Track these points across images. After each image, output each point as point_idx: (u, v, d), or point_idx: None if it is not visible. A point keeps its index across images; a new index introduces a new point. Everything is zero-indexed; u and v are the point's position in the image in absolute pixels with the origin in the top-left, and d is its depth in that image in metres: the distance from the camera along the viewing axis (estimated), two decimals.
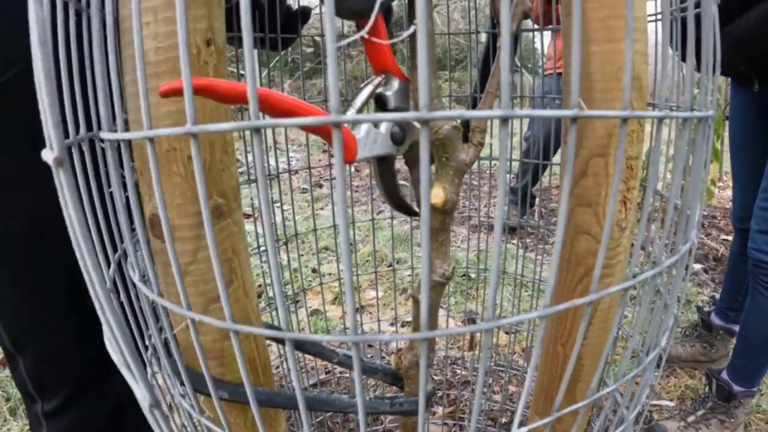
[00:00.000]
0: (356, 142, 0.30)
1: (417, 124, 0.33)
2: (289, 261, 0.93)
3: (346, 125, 0.30)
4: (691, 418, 1.11)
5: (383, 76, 0.32)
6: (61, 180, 0.19)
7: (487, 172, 1.27)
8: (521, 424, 0.24)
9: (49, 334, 0.55)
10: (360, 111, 0.32)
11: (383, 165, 0.34)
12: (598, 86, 0.40)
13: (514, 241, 1.98)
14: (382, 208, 2.83)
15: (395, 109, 0.32)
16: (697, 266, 2.19)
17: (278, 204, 0.93)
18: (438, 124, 0.30)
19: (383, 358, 1.37)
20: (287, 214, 2.04)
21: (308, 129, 0.27)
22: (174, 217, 0.30)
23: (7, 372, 1.40)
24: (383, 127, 0.32)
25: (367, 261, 1.96)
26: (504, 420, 1.16)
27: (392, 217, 0.96)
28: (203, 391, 0.27)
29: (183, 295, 0.21)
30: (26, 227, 0.51)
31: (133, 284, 0.29)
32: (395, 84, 0.32)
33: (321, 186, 3.17)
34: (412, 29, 0.29)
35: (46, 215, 0.49)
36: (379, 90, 0.32)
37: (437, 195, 0.30)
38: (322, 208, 2.74)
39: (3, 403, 1.27)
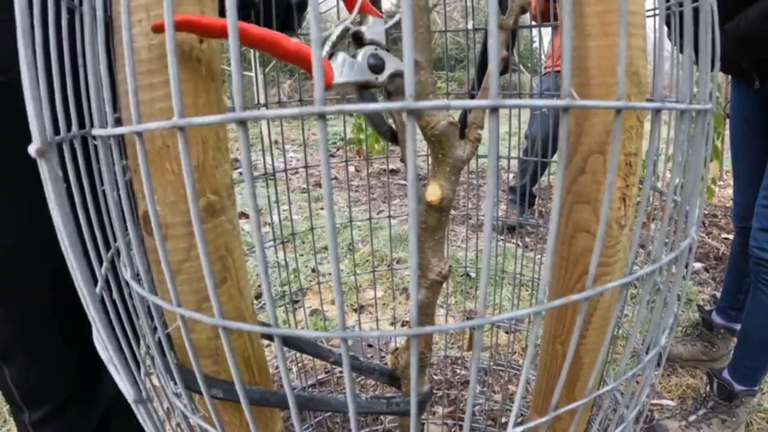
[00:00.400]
0: (332, 68, 0.31)
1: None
2: (286, 260, 0.93)
3: (325, 56, 0.32)
4: (692, 418, 1.11)
5: (358, 15, 0.34)
6: (44, 172, 0.18)
7: (487, 171, 1.27)
8: (519, 423, 0.23)
9: (37, 343, 0.55)
10: (336, 45, 0.33)
11: (366, 94, 0.36)
12: (595, 81, 0.39)
13: (514, 241, 1.97)
14: (382, 208, 2.83)
15: (371, 42, 0.34)
16: (698, 265, 2.19)
17: (277, 203, 0.92)
18: (434, 119, 0.29)
19: (382, 357, 1.37)
20: (286, 214, 2.04)
21: (292, 60, 0.29)
22: (167, 214, 0.30)
23: None
24: (360, 56, 0.34)
25: (366, 261, 1.95)
26: (504, 420, 1.15)
27: (390, 216, 0.96)
28: (196, 389, 0.26)
29: (173, 292, 0.21)
30: (20, 233, 0.51)
31: (126, 282, 0.28)
32: (369, 20, 0.34)
33: (320, 185, 3.16)
34: (397, 17, 0.29)
35: (41, 219, 0.49)
36: (355, 28, 0.34)
37: (433, 192, 0.30)
38: (321, 208, 2.73)
39: (3, 404, 1.27)
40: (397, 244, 2.14)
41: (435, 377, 1.32)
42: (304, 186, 3.07)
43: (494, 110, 0.14)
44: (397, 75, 0.37)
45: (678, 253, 0.28)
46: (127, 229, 0.26)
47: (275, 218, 0.91)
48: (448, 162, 0.30)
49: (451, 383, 1.28)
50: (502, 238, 1.84)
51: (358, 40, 0.34)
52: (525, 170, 2.28)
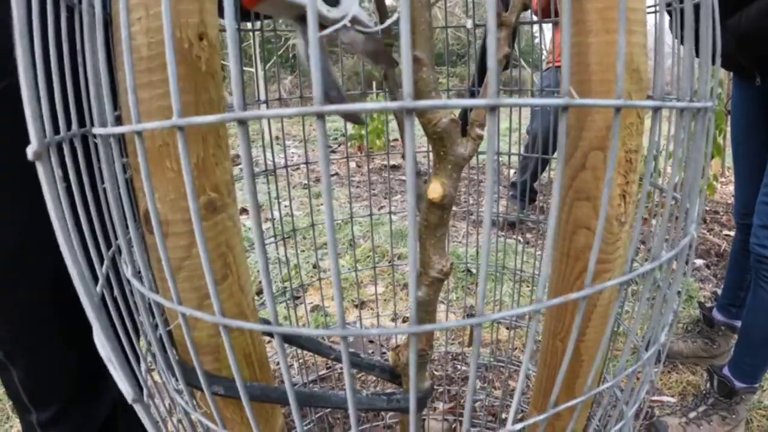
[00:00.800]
0: None
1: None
2: (287, 256, 0.93)
3: None
4: (692, 414, 1.11)
5: None
6: (41, 173, 0.18)
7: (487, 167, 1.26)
8: (520, 420, 0.24)
9: (37, 343, 0.55)
10: None
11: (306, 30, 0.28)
12: (596, 78, 0.39)
13: (515, 237, 1.97)
14: (383, 204, 2.82)
15: None
16: (699, 261, 2.19)
17: (278, 199, 0.93)
18: (436, 116, 0.29)
19: (383, 354, 1.37)
20: (287, 210, 2.04)
21: None
22: (167, 212, 0.30)
23: None
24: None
25: (367, 257, 1.95)
26: (504, 415, 1.16)
27: (391, 213, 0.96)
28: (198, 385, 0.27)
29: (173, 290, 0.21)
30: (20, 233, 0.51)
31: (128, 280, 0.29)
32: None
33: (320, 181, 3.16)
34: (396, 15, 0.28)
35: (42, 218, 0.49)
36: None
37: (435, 189, 0.30)
38: (322, 204, 2.73)
39: (6, 401, 1.28)
40: (398, 239, 2.14)
41: (436, 373, 1.32)
42: (305, 182, 3.07)
43: (493, 109, 0.14)
44: (357, 22, 0.29)
45: (678, 250, 0.28)
46: (127, 227, 0.27)
47: (276, 214, 0.91)
48: (449, 159, 0.30)
49: (452, 379, 1.29)
50: (503, 234, 1.84)
51: None
52: (526, 166, 2.28)
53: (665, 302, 0.33)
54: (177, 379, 0.29)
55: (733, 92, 1.20)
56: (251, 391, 0.33)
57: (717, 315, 1.35)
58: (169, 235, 0.30)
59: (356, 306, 1.52)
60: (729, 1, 0.94)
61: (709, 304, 1.43)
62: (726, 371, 1.12)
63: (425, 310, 0.36)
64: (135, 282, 0.24)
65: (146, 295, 0.23)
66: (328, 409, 1.10)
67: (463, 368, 1.33)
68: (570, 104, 0.16)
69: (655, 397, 1.25)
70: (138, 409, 0.25)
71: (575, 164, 0.42)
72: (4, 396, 1.30)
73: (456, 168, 0.30)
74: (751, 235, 1.03)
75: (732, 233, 2.35)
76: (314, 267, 1.87)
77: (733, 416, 1.10)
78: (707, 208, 2.99)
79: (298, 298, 1.51)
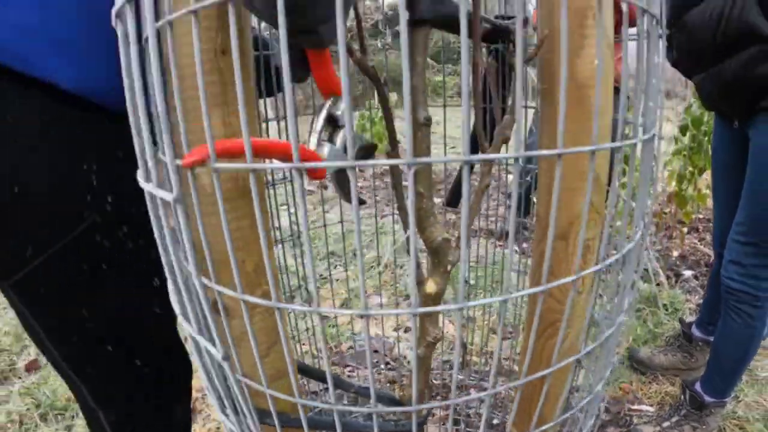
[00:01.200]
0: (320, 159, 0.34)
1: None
2: (296, 265, 1.01)
3: (306, 148, 0.35)
4: (666, 424, 1.22)
5: (332, 98, 0.38)
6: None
7: (491, 170, 1.35)
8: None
9: (128, 390, 0.62)
10: (321, 133, 0.37)
11: (341, 174, 0.41)
12: (563, 185, 0.49)
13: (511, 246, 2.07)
14: (386, 212, 2.92)
15: (344, 125, 0.36)
16: (688, 273, 2.28)
17: (285, 206, 1.00)
18: (432, 236, 0.40)
19: (387, 363, 1.49)
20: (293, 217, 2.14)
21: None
22: (229, 301, 0.40)
23: (35, 379, 1.47)
24: (338, 142, 0.37)
25: (371, 267, 2.06)
26: (496, 421, 1.27)
27: (394, 218, 1.06)
28: (270, 423, 0.37)
29: (262, 374, 0.31)
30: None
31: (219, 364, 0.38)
32: (342, 104, 0.36)
33: (326, 187, 3.26)
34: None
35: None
36: (330, 110, 0.37)
37: (431, 287, 0.41)
38: (327, 211, 2.83)
39: (33, 410, 1.35)
40: (401, 251, 2.24)
41: (434, 381, 1.44)
42: (309, 188, 3.16)
43: (460, 309, 0.25)
44: (361, 148, 0.41)
45: (601, 341, 0.38)
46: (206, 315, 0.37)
47: (284, 222, 0.99)
48: (442, 265, 0.40)
49: (450, 387, 1.40)
50: (501, 243, 1.94)
51: (333, 122, 0.37)
52: (526, 173, 2.36)
53: (594, 369, 0.44)
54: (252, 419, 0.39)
55: (714, 126, 1.28)
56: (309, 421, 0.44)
57: (695, 331, 1.46)
58: (233, 318, 0.41)
59: (361, 316, 1.63)
60: (713, 48, 0.97)
61: (688, 320, 1.53)
62: (697, 386, 1.22)
63: (423, 363, 0.47)
64: (226, 366, 0.34)
65: (238, 378, 0.33)
66: None
67: (460, 377, 1.45)
68: (508, 298, 0.26)
69: (635, 406, 1.36)
70: None
71: (540, 250, 0.52)
72: (31, 404, 1.38)
73: (446, 271, 0.41)
74: (722, 267, 1.12)
75: None
76: (322, 277, 1.98)
77: (704, 427, 1.21)
78: (700, 216, 3.06)
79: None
